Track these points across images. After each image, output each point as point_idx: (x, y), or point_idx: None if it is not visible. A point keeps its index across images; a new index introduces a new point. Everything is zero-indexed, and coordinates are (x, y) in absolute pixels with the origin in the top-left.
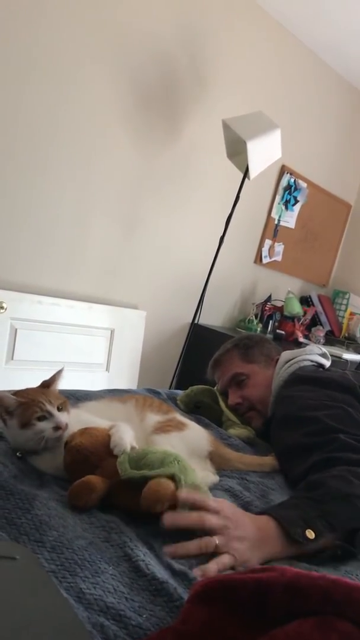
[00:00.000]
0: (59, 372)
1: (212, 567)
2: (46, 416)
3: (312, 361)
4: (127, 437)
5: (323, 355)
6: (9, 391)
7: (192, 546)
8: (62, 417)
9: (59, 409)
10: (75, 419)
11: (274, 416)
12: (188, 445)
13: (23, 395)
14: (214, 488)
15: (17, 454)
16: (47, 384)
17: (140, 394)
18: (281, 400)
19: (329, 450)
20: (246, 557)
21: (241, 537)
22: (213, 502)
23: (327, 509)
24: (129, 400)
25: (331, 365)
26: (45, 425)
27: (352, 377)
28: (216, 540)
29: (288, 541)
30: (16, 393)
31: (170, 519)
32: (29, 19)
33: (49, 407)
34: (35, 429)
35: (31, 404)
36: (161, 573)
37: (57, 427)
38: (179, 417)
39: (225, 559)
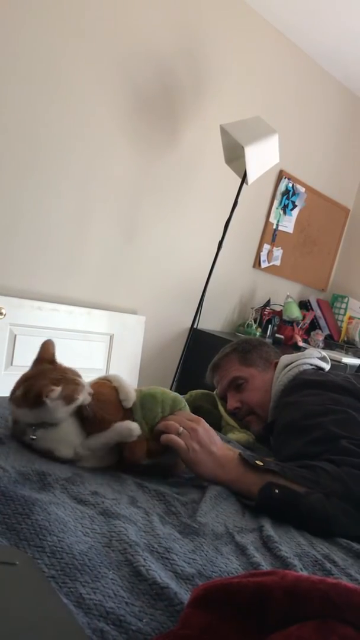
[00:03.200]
0: (51, 345)
1: (172, 438)
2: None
3: (311, 365)
4: (131, 389)
5: (322, 358)
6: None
7: (161, 424)
8: (85, 381)
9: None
10: None
11: (277, 422)
12: None
13: (51, 377)
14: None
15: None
16: (51, 360)
17: None
18: (284, 407)
19: (327, 455)
20: (197, 458)
21: (205, 443)
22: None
23: (286, 465)
24: None
25: (330, 369)
26: (84, 396)
27: (354, 379)
28: (180, 428)
29: (242, 469)
30: (35, 375)
31: (161, 424)
32: (31, 27)
33: (79, 378)
34: (81, 393)
35: (70, 382)
36: (162, 577)
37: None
38: None
39: (178, 442)
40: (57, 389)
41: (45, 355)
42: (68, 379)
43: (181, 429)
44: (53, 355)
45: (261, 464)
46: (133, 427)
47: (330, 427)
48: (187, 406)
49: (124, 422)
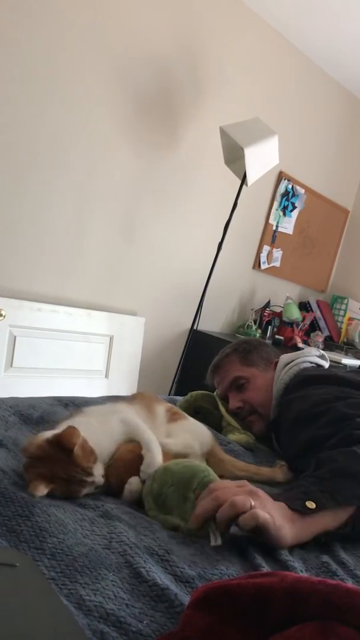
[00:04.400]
0: (74, 434)
1: (258, 512)
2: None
3: (311, 362)
4: (157, 459)
5: (321, 356)
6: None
7: (227, 505)
8: (98, 472)
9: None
10: (87, 428)
11: (283, 419)
12: (195, 434)
13: (47, 472)
14: None
15: None
16: (69, 449)
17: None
18: (290, 402)
19: (346, 430)
20: (280, 522)
21: (273, 505)
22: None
23: (331, 485)
24: (132, 400)
25: (329, 368)
26: (89, 489)
27: (354, 374)
28: (251, 501)
29: (298, 517)
30: (41, 458)
31: (226, 506)
32: (30, 28)
33: (88, 479)
34: (81, 494)
35: (73, 482)
36: (162, 579)
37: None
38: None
39: (265, 514)
40: (42, 490)
41: (64, 443)
42: (71, 477)
43: (251, 501)
44: (73, 445)
45: (313, 506)
46: (133, 483)
47: (342, 409)
48: (211, 471)
49: (128, 482)
